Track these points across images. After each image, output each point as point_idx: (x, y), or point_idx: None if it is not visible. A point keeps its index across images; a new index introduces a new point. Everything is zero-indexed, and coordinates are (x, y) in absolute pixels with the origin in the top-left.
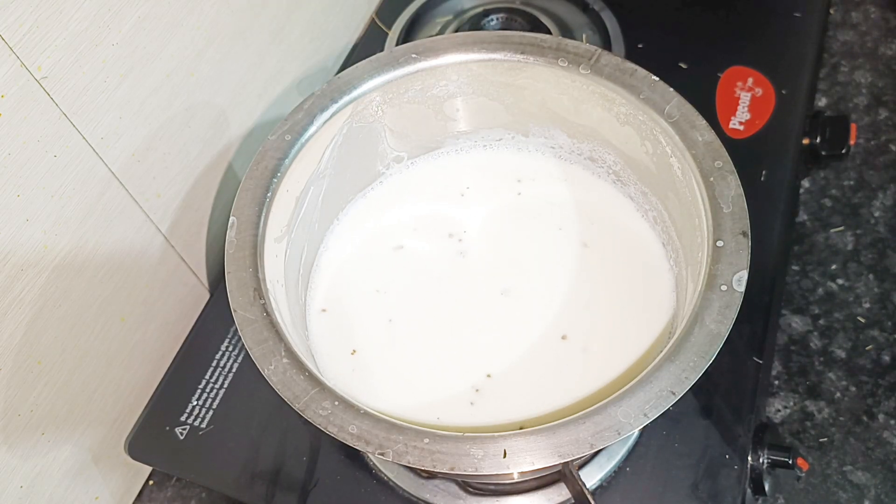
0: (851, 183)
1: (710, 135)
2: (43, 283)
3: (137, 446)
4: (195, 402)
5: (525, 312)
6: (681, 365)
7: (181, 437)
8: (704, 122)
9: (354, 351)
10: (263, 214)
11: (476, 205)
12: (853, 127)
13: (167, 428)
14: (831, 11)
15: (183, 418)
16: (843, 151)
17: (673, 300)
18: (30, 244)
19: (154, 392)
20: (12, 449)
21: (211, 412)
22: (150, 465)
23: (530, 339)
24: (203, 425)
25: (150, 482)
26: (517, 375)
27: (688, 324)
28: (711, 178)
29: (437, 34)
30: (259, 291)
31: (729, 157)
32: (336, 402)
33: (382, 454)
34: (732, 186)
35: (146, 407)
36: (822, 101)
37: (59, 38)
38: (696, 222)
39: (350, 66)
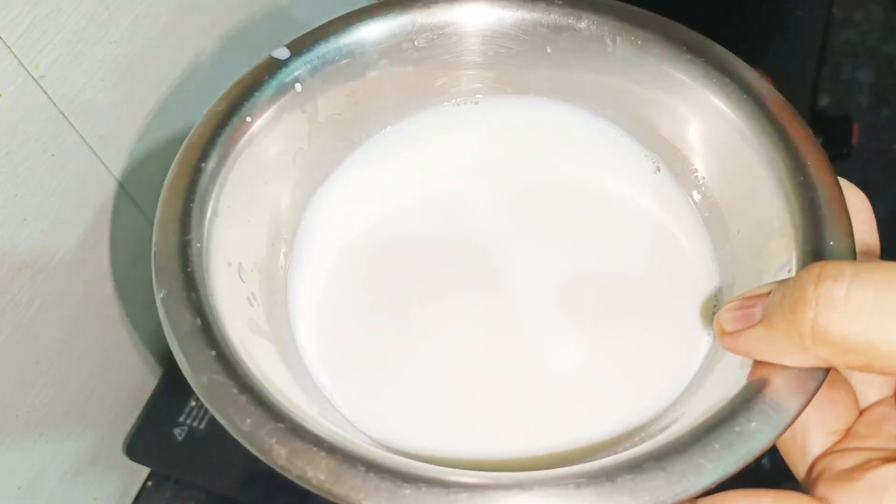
0: (854, 182)
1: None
2: (41, 283)
3: (135, 447)
4: (193, 403)
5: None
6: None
7: (179, 438)
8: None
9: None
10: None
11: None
12: (855, 126)
13: (165, 429)
14: (833, 10)
15: (181, 419)
16: (846, 151)
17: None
18: (27, 244)
19: (152, 393)
20: (10, 449)
21: (210, 413)
22: (148, 465)
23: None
24: (202, 426)
25: (149, 483)
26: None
27: None
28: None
29: None
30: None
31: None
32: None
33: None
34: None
35: (144, 407)
36: (824, 101)
37: (56, 37)
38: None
39: None
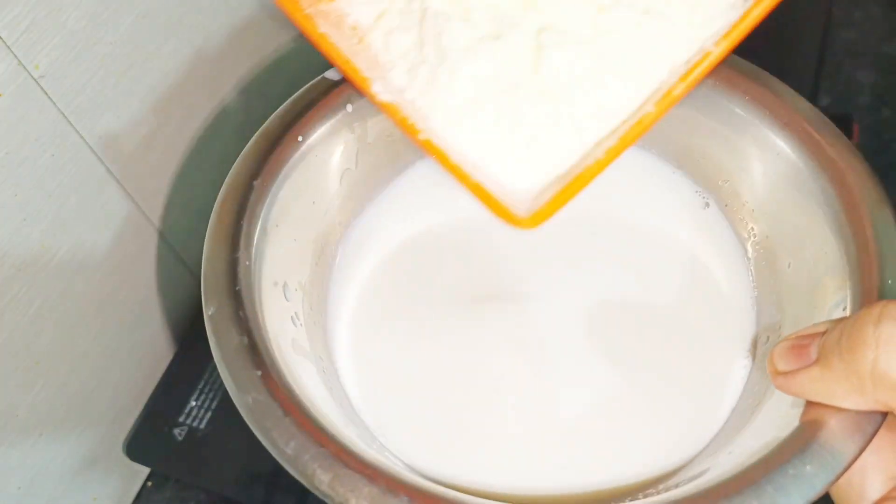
0: None
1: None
2: (41, 283)
3: (135, 447)
4: (193, 403)
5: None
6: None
7: (179, 439)
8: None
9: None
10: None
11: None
12: (855, 126)
13: (165, 429)
14: (833, 10)
15: (181, 419)
16: None
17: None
18: (27, 244)
19: (152, 393)
20: (10, 450)
21: (210, 413)
22: (148, 466)
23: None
24: (202, 426)
25: (149, 483)
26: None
27: None
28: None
29: None
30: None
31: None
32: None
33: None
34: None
35: (144, 408)
36: (824, 101)
37: (56, 37)
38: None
39: None
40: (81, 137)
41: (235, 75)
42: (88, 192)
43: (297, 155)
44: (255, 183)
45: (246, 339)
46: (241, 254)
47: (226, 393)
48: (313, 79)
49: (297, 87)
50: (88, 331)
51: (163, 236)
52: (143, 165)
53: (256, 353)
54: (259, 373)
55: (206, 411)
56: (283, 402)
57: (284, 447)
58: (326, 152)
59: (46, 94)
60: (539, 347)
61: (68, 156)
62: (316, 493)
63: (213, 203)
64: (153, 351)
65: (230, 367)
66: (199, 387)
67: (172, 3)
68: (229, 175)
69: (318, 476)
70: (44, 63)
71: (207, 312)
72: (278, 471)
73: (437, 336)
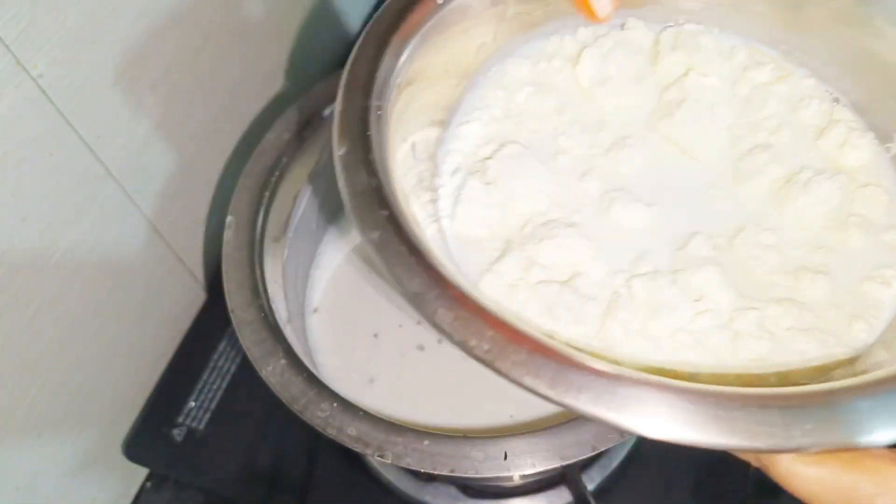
0: None
1: None
2: (39, 283)
3: (134, 448)
4: (192, 403)
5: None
6: None
7: (178, 439)
8: None
9: (349, 354)
10: (262, 214)
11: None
12: None
13: (164, 429)
14: None
15: (180, 419)
16: None
17: None
18: (26, 244)
19: (151, 393)
20: (9, 450)
21: (209, 413)
22: (146, 466)
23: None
24: (200, 427)
25: (148, 484)
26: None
27: None
28: None
29: None
30: (257, 291)
31: None
32: (335, 404)
33: (381, 456)
34: None
35: (143, 408)
36: None
37: (55, 36)
38: None
39: None
40: (80, 137)
41: (235, 74)
42: (87, 192)
43: (436, 17)
44: (393, 38)
45: (375, 181)
46: (373, 103)
47: (225, 393)
48: (310, 79)
49: (297, 85)
50: (87, 331)
51: (162, 236)
52: (141, 165)
53: (383, 194)
54: (385, 213)
55: (205, 412)
56: (408, 242)
57: (409, 284)
58: (465, 22)
59: (45, 93)
60: (677, 248)
61: (67, 155)
62: (436, 329)
63: (211, 204)
64: (152, 351)
65: (357, 205)
66: (198, 387)
67: (171, 2)
68: (370, 23)
69: (440, 314)
70: (42, 62)
71: (338, 153)
72: (277, 472)
73: (551, 220)
